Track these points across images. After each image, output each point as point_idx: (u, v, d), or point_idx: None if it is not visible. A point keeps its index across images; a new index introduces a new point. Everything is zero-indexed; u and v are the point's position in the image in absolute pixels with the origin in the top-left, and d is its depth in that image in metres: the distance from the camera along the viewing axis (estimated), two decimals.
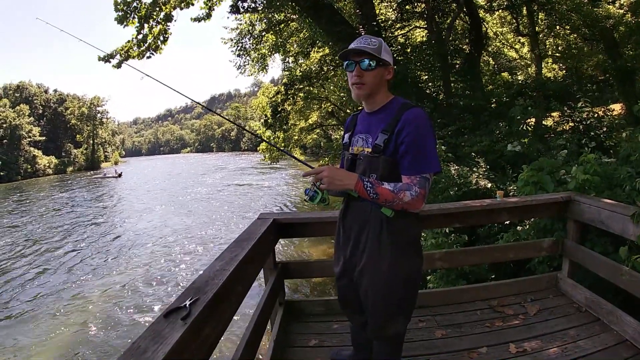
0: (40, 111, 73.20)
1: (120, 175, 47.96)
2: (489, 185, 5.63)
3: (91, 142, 79.35)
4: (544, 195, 3.32)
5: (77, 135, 77.14)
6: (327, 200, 1.85)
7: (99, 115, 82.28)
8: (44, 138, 67.30)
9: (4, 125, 59.30)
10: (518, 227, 4.18)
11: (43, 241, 16.30)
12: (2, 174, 54.11)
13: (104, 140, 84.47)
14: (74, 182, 45.86)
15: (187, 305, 1.34)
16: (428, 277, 4.88)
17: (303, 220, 2.90)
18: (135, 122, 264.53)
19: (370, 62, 1.67)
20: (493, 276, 4.61)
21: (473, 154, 6.80)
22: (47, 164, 65.11)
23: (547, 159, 4.24)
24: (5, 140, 58.91)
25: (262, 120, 17.18)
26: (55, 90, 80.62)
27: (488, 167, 6.25)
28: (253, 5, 11.85)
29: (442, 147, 6.41)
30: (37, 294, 10.47)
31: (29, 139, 63.08)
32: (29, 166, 61.04)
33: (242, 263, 1.84)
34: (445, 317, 2.95)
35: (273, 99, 15.32)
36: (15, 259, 14.03)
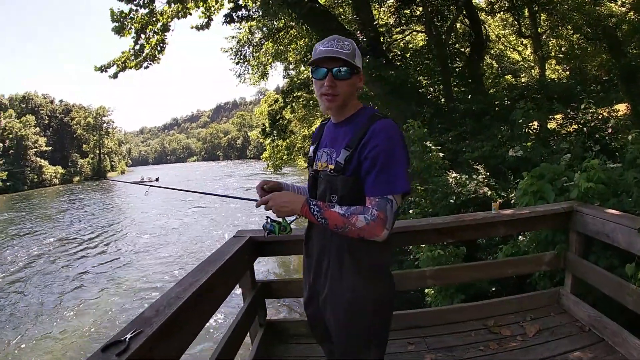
0: (47, 121, 74.08)
1: (157, 180, 51.92)
2: (489, 192, 5.41)
3: (97, 151, 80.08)
4: (543, 205, 3.08)
5: (84, 145, 77.91)
6: (287, 228, 1.62)
7: (104, 125, 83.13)
8: (50, 148, 67.77)
9: (10, 136, 59.67)
10: (520, 237, 3.95)
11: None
12: (8, 184, 54.28)
13: (110, 149, 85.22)
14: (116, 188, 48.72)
15: (127, 339, 1.26)
16: (425, 291, 4.67)
17: (281, 238, 2.70)
18: (142, 131, 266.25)
19: (346, 70, 1.44)
20: (493, 289, 4.39)
21: (471, 161, 6.59)
22: (54, 174, 65.42)
23: (549, 164, 4.01)
24: (12, 151, 59.15)
25: (260, 129, 17.10)
26: (61, 101, 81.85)
27: (488, 173, 6.04)
28: (247, 14, 11.78)
29: (440, 153, 6.18)
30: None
31: (35, 149, 63.53)
32: (35, 176, 61.38)
33: (203, 288, 1.73)
34: (437, 338, 2.74)
35: (271, 107, 15.24)
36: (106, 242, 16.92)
